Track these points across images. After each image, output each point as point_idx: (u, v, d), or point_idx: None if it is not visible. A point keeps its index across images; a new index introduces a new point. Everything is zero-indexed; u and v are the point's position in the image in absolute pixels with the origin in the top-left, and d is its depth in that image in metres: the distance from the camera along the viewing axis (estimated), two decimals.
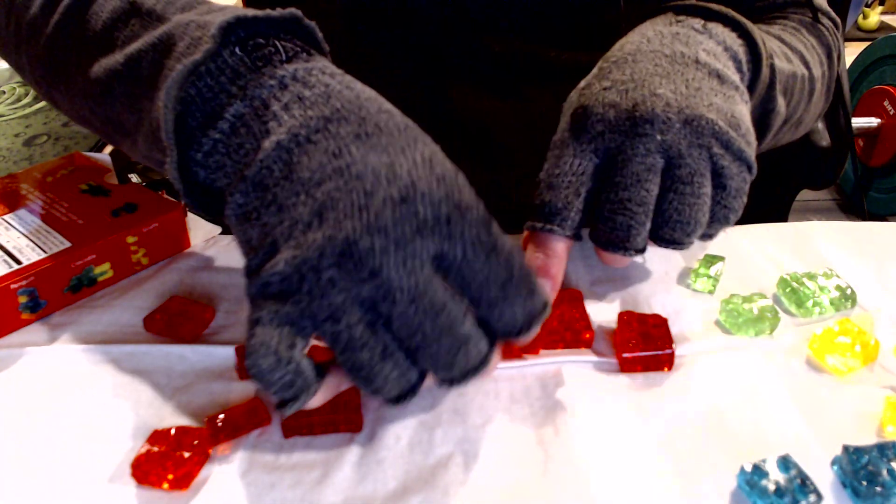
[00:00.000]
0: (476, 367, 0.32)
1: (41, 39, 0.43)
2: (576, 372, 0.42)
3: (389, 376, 0.31)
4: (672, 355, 0.41)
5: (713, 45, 0.43)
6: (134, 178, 0.56)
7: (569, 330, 0.43)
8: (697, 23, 0.44)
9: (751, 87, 0.44)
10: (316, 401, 0.33)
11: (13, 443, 0.38)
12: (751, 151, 0.41)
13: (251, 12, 0.34)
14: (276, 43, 0.34)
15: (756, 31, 0.45)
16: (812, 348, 0.43)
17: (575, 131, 0.41)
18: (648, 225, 0.39)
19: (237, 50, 0.34)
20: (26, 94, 0.74)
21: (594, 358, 0.42)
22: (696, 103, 0.40)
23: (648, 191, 0.38)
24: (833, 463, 0.36)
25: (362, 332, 0.30)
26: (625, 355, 0.41)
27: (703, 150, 0.39)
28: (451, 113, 0.56)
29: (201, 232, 0.54)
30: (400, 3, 0.53)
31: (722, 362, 0.42)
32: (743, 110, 0.42)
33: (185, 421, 0.38)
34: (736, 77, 0.43)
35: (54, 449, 0.37)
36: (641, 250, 0.39)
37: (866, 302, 0.47)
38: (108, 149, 0.70)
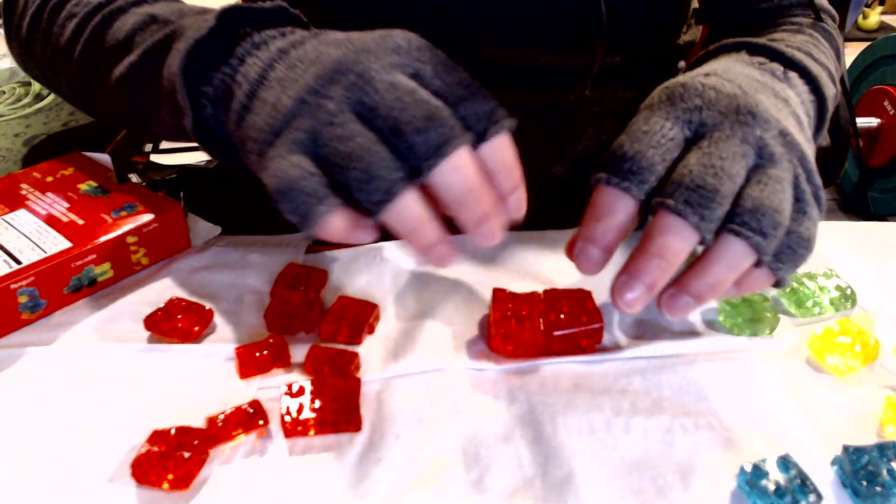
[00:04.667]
0: (453, 138, 0.34)
1: (73, 57, 0.49)
2: (575, 371, 0.42)
3: (381, 159, 0.33)
4: (601, 329, 0.42)
5: (793, 95, 0.43)
6: (134, 178, 0.56)
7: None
8: (778, 69, 0.43)
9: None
10: (335, 226, 0.34)
11: (13, 443, 0.38)
12: (823, 194, 0.39)
13: (245, 5, 0.39)
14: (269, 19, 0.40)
15: (826, 86, 0.44)
16: (812, 348, 0.43)
17: (670, 99, 0.38)
18: (727, 209, 0.35)
19: (238, 22, 0.39)
20: (26, 95, 0.74)
21: (594, 357, 0.42)
22: (788, 126, 0.38)
23: (739, 174, 0.35)
24: (833, 463, 0.36)
25: (355, 125, 0.34)
26: (556, 333, 0.42)
27: (792, 166, 0.37)
28: None
29: (201, 232, 0.54)
30: (390, 10, 0.53)
31: (722, 362, 0.42)
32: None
33: (185, 421, 0.37)
34: (809, 132, 0.42)
35: (54, 449, 0.37)
36: (706, 241, 0.35)
37: (866, 302, 0.47)
38: (109, 148, 0.70)
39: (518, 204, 0.37)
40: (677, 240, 0.35)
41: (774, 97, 0.40)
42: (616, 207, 0.36)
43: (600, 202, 0.37)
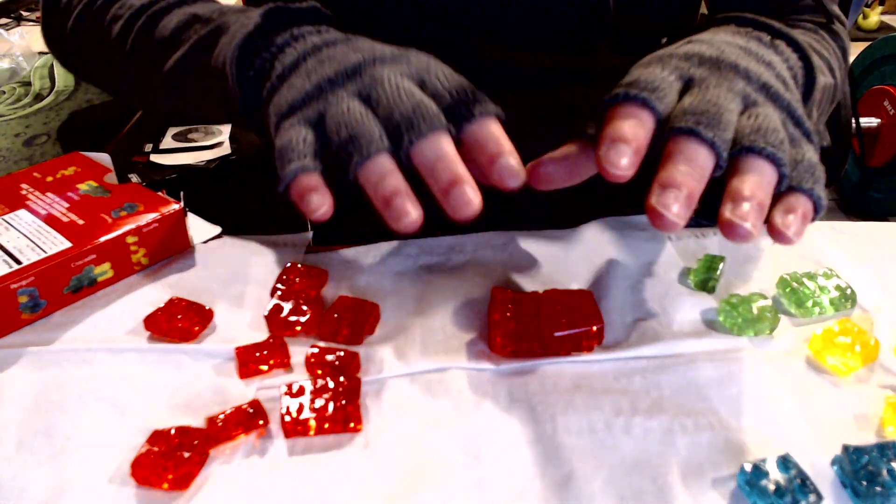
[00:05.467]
0: (432, 123, 0.37)
1: (121, 56, 0.53)
2: (575, 371, 0.42)
3: (369, 125, 0.38)
4: (601, 330, 0.42)
5: (779, 61, 0.44)
6: (134, 177, 0.56)
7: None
8: (765, 37, 0.45)
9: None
10: (304, 183, 0.37)
11: (13, 443, 0.38)
12: (816, 138, 0.40)
13: (285, 5, 0.45)
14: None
15: (813, 55, 0.45)
16: (812, 348, 0.43)
17: (660, 58, 0.41)
18: (732, 136, 0.36)
19: (279, 20, 0.45)
20: (26, 95, 0.74)
21: (594, 357, 0.43)
22: (770, 81, 0.40)
23: (734, 110, 0.37)
24: (833, 463, 0.36)
25: (355, 104, 0.39)
26: (556, 334, 0.41)
27: (779, 113, 0.39)
28: None
29: (201, 232, 0.54)
30: (390, 9, 0.53)
31: (721, 362, 0.42)
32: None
33: (185, 421, 0.38)
34: (797, 94, 0.43)
35: (54, 449, 0.37)
36: (721, 165, 0.35)
37: (866, 302, 0.47)
38: (109, 148, 0.70)
39: (508, 165, 0.37)
40: (698, 154, 0.35)
41: (757, 62, 0.41)
42: (638, 117, 0.36)
43: (620, 113, 0.36)
